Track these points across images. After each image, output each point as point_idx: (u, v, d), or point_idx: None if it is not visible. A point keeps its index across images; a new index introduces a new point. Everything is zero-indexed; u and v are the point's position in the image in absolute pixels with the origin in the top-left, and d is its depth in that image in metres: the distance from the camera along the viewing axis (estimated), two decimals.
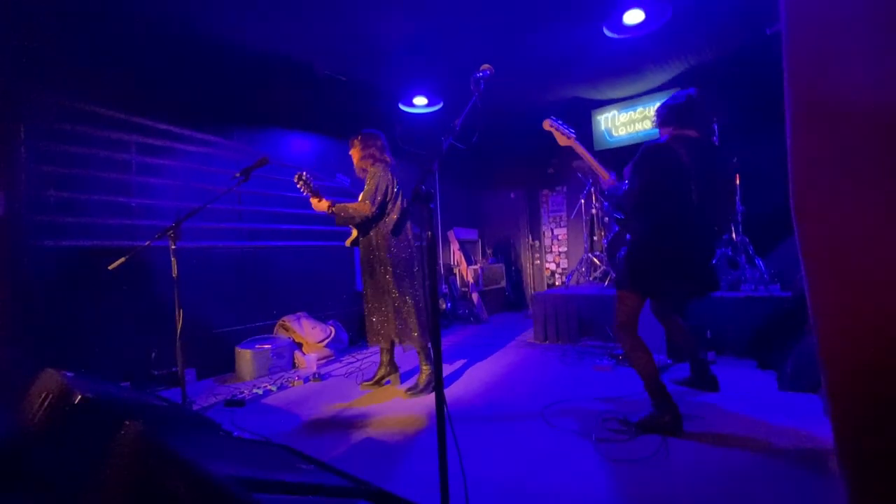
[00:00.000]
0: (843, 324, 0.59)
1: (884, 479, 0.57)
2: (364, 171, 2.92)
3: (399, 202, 2.89)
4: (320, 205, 2.71)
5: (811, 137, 0.61)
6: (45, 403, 1.52)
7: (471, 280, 5.77)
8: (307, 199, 2.77)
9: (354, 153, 2.96)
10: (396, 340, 2.88)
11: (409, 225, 2.97)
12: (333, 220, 2.79)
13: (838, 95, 0.58)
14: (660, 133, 2.28)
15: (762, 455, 1.83)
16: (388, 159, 2.94)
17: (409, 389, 2.83)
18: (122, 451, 1.05)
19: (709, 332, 3.24)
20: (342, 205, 2.75)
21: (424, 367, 2.86)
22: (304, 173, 2.68)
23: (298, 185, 2.68)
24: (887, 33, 0.54)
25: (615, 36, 3.79)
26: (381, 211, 2.80)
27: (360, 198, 2.80)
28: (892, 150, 0.53)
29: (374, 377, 3.07)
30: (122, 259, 2.33)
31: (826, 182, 0.59)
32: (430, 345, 2.87)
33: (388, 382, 3.08)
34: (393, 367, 3.08)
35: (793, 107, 0.62)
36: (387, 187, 2.81)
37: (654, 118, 2.34)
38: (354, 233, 2.91)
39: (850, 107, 0.57)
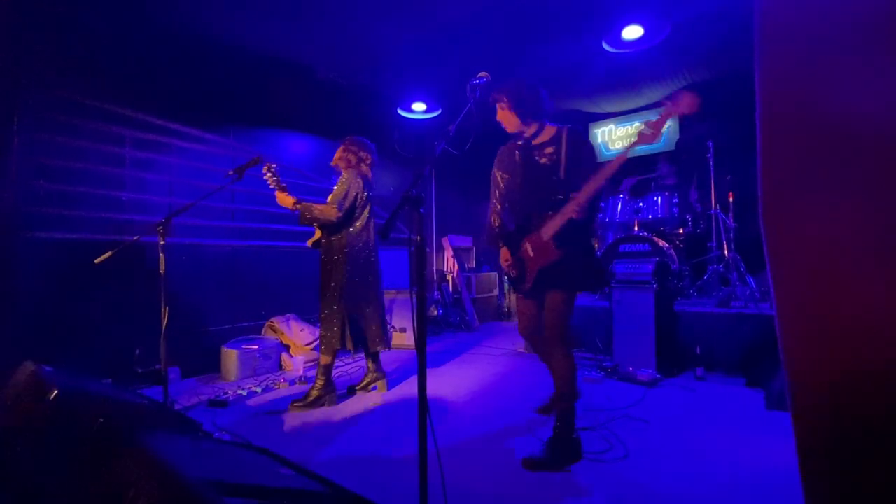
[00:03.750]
0: (806, 332, 0.59)
1: (845, 498, 0.56)
2: (339, 171, 2.88)
3: (366, 213, 2.85)
4: (286, 200, 2.64)
5: (779, 148, 0.61)
6: (21, 397, 1.49)
7: (452, 264, 5.83)
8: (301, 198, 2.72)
9: (338, 153, 2.90)
10: (339, 347, 2.75)
11: (372, 236, 2.90)
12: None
13: (807, 107, 0.58)
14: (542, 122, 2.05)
15: (746, 472, 1.82)
16: (365, 172, 2.89)
17: (295, 402, 2.69)
18: (93, 448, 1.02)
19: (698, 348, 3.24)
20: (308, 204, 2.67)
21: (319, 381, 2.74)
22: (274, 165, 2.63)
23: (266, 177, 2.62)
24: (860, 48, 0.55)
25: (614, 51, 3.84)
26: (347, 217, 2.75)
27: (328, 200, 2.73)
28: (857, 162, 0.54)
29: (360, 382, 3.04)
30: (109, 253, 2.30)
31: (793, 192, 0.60)
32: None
33: (374, 388, 3.04)
34: (379, 372, 3.05)
35: (762, 117, 0.62)
36: (356, 194, 2.76)
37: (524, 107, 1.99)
38: (318, 234, 2.83)
39: (818, 118, 0.57)
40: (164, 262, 2.40)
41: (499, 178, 2.15)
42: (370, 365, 3.03)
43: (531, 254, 2.00)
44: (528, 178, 2.03)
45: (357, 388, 3.02)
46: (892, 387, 0.52)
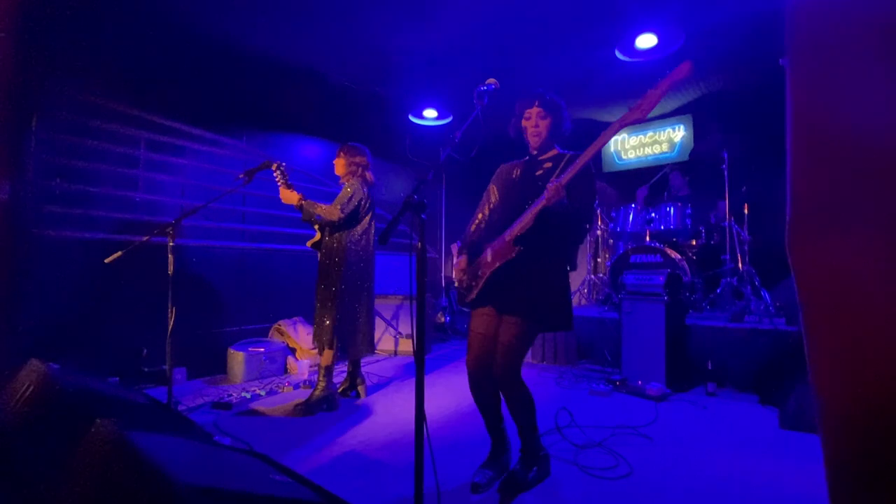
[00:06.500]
0: (839, 366, 0.55)
1: None
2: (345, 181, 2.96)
3: (367, 219, 2.91)
4: (290, 196, 2.73)
5: (811, 171, 0.58)
6: (25, 394, 1.50)
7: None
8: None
9: (339, 163, 2.95)
10: (330, 346, 2.78)
11: (371, 242, 2.95)
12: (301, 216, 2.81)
13: (843, 130, 0.55)
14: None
15: (759, 494, 1.75)
16: (369, 178, 2.94)
17: (297, 405, 2.69)
18: (89, 449, 1.02)
19: (710, 363, 3.16)
20: (312, 202, 2.76)
21: (321, 383, 2.76)
22: (283, 164, 2.75)
23: (275, 175, 2.73)
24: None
25: (627, 59, 3.80)
26: (349, 220, 2.81)
27: (333, 202, 2.80)
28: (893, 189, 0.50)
29: (339, 387, 3.02)
30: (119, 253, 2.33)
31: (824, 218, 0.56)
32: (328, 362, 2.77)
33: (353, 394, 3.02)
34: (355, 379, 3.03)
35: (794, 139, 0.59)
36: (360, 200, 2.82)
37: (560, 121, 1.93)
38: (318, 235, 2.90)
39: (855, 142, 0.54)
40: (172, 263, 2.41)
41: (492, 192, 2.02)
42: (348, 370, 3.05)
43: (489, 258, 1.81)
44: (521, 191, 1.86)
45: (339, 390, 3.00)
46: None
